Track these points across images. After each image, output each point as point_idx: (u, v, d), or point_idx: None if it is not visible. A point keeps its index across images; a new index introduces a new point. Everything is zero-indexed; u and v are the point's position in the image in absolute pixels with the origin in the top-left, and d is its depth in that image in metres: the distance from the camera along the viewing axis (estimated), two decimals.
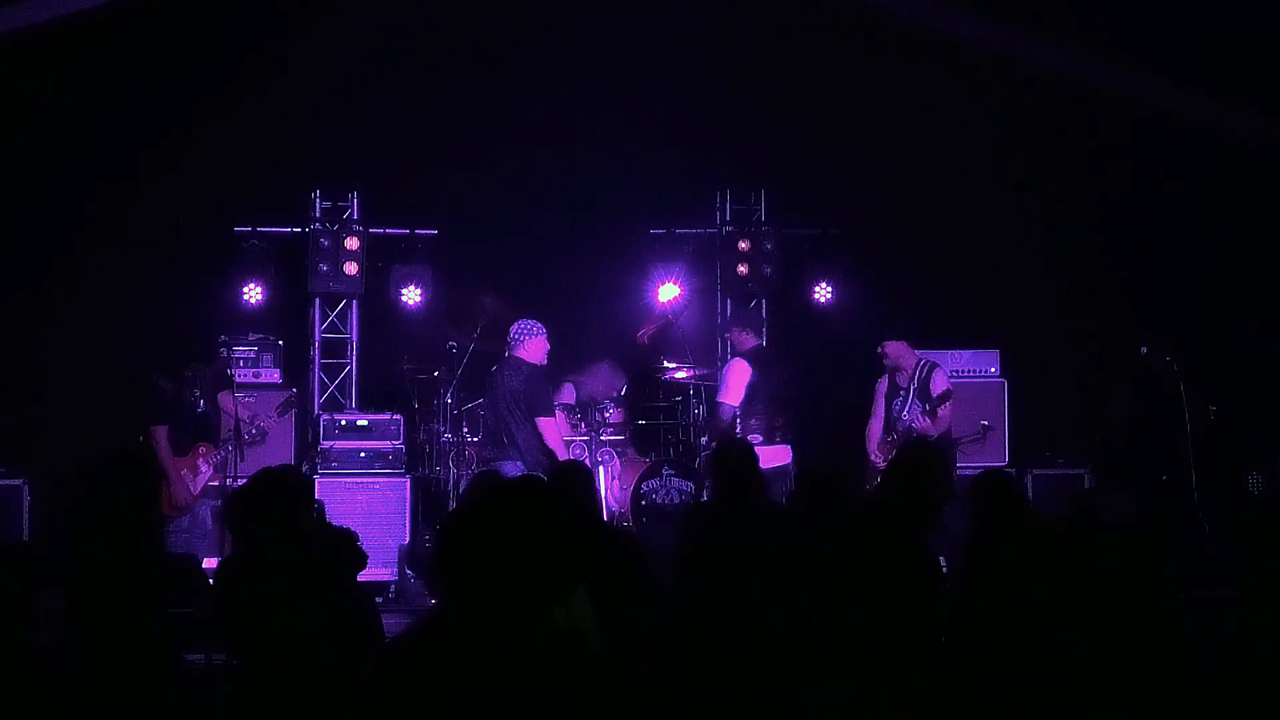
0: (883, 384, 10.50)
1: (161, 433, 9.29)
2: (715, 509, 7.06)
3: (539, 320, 9.81)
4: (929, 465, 6.17)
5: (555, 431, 9.56)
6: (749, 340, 10.57)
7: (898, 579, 5.55)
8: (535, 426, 9.47)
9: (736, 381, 10.26)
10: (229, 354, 11.00)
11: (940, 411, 10.08)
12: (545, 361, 9.78)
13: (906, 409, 10.27)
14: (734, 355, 10.71)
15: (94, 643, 5.70)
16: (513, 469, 9.46)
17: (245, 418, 9.55)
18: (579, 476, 6.86)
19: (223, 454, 9.38)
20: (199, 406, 9.44)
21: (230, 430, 9.42)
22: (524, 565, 3.12)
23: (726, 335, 10.76)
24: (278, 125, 10.80)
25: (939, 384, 10.32)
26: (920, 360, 10.41)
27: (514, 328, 9.76)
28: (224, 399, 9.61)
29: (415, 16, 10.46)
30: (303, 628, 5.35)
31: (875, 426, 10.45)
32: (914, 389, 10.31)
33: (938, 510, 6.05)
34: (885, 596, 5.45)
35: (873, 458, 10.31)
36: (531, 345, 9.67)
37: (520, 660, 3.06)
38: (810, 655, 5.29)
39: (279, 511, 5.82)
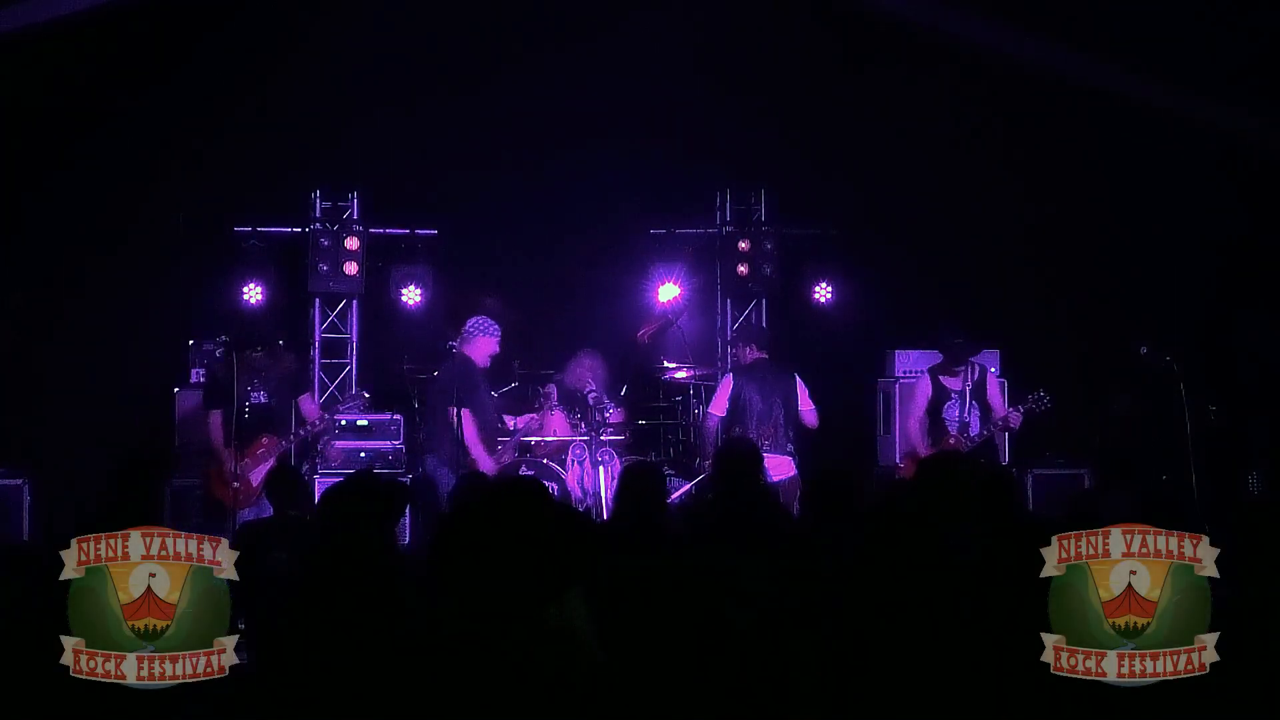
0: (924, 386, 10.31)
1: (216, 416, 9.46)
2: (715, 507, 7.06)
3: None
4: (973, 472, 6.23)
5: (472, 425, 9.90)
6: (750, 355, 10.55)
7: (913, 580, 5.56)
8: (458, 418, 9.91)
9: (720, 393, 10.39)
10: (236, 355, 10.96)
11: None
12: (487, 364, 10.10)
13: (967, 412, 10.16)
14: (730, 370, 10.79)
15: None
16: (433, 461, 9.88)
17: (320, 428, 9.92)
18: (651, 477, 6.86)
19: (285, 445, 9.50)
20: (257, 397, 9.54)
21: (302, 430, 9.71)
22: (515, 564, 3.12)
23: (733, 350, 10.79)
24: (278, 125, 10.80)
25: (995, 387, 10.33)
26: (969, 362, 10.36)
27: (468, 323, 10.12)
28: (305, 403, 9.87)
29: (415, 16, 10.47)
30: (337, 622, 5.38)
31: (914, 427, 10.28)
32: (969, 390, 10.19)
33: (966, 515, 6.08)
34: (900, 597, 5.47)
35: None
36: (479, 344, 10.05)
37: (513, 658, 3.06)
38: (811, 655, 5.29)
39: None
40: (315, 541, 6.36)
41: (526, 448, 10.76)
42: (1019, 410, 10.09)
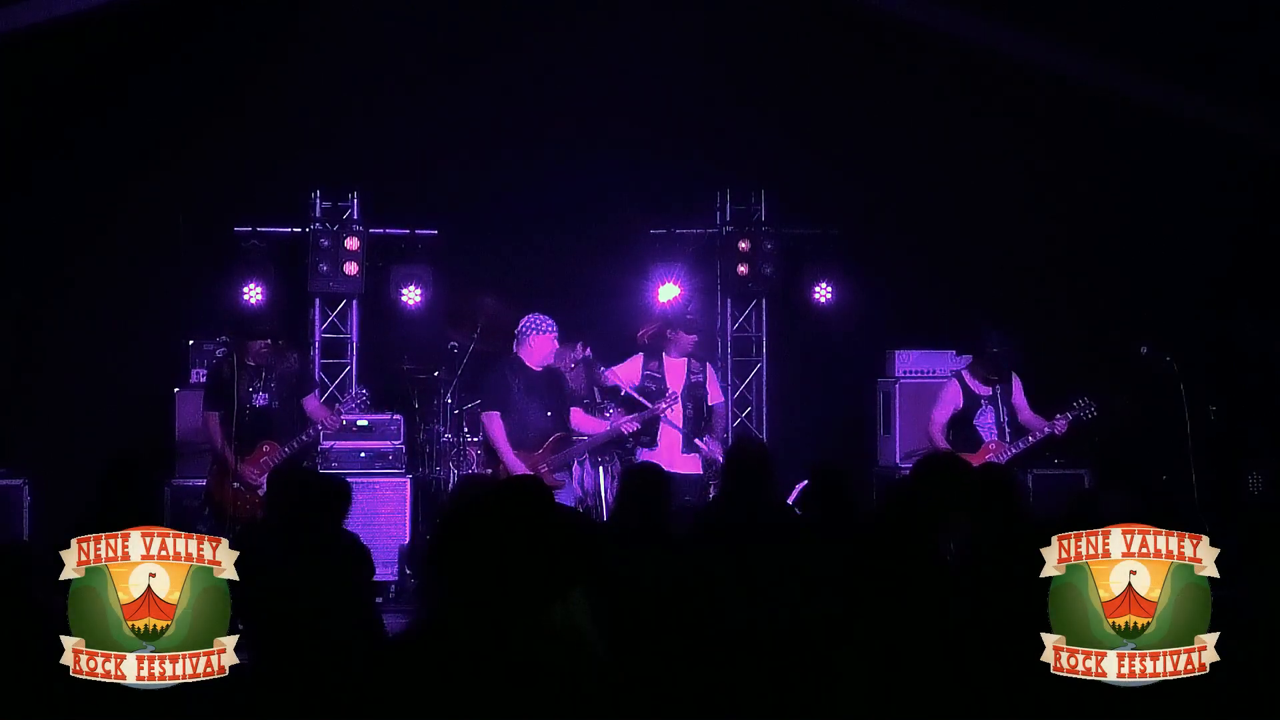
0: (952, 392, 9.91)
1: (214, 418, 9.42)
2: (725, 508, 7.06)
3: (526, 318, 9.84)
4: (965, 474, 6.22)
5: (497, 427, 9.62)
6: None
7: (915, 581, 5.57)
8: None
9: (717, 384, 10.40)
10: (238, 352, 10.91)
11: None
12: (550, 360, 9.74)
13: (1004, 417, 9.78)
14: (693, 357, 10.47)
15: None
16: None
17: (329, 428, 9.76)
18: (653, 477, 6.77)
19: (288, 451, 9.43)
20: (258, 400, 9.50)
21: (312, 431, 9.61)
22: (519, 563, 3.13)
23: (671, 335, 10.29)
24: (278, 125, 10.81)
25: (1020, 388, 9.93)
26: None
27: (519, 323, 9.80)
28: (311, 404, 9.74)
29: (415, 17, 10.47)
30: (314, 618, 5.40)
31: (938, 435, 9.81)
32: (999, 395, 9.83)
33: (959, 518, 6.08)
34: (898, 598, 5.47)
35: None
36: (530, 343, 9.71)
37: (517, 658, 3.06)
38: (815, 656, 5.29)
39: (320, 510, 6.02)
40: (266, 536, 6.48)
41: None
42: (1065, 418, 9.69)
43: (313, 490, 6.69)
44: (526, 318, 9.80)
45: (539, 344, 9.69)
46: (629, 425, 9.93)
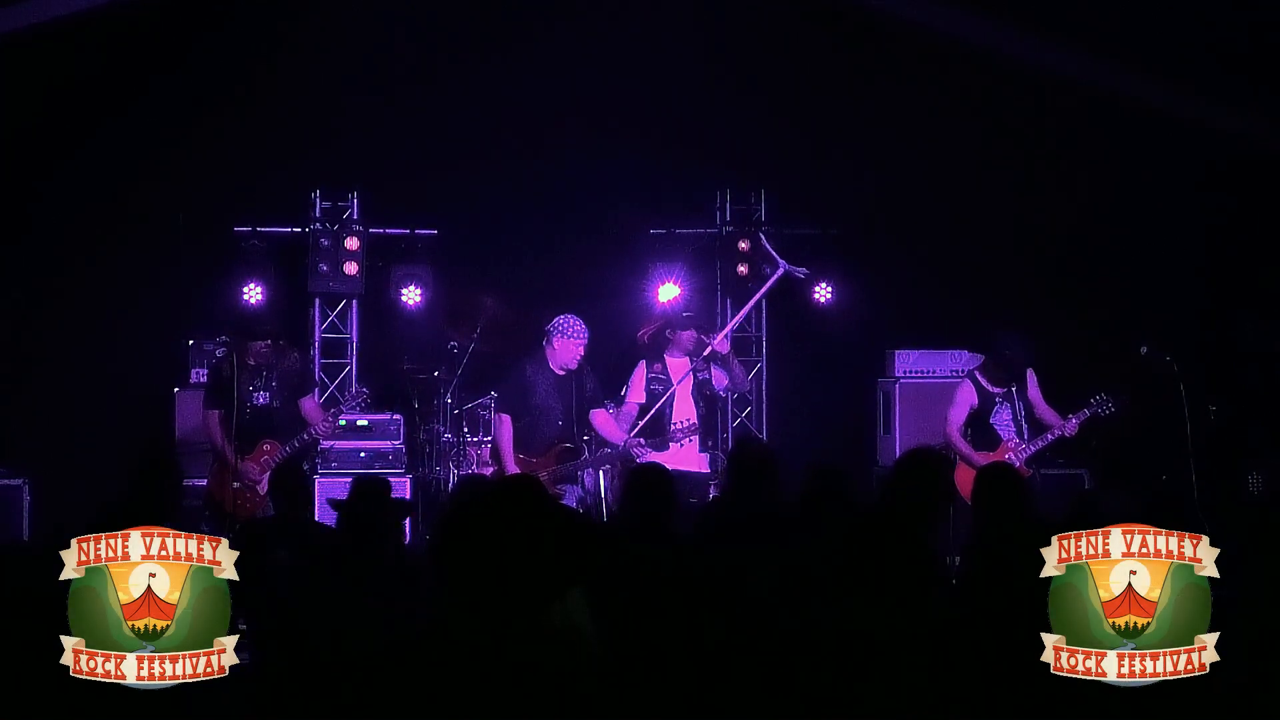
0: (966, 393, 9.82)
1: (214, 417, 9.40)
2: (727, 508, 7.06)
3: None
4: (940, 470, 6.23)
5: (505, 431, 9.69)
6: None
7: (900, 577, 5.57)
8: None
9: None
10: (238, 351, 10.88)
11: None
12: (573, 366, 9.71)
13: (1021, 414, 9.70)
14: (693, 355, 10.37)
15: None
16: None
17: (322, 431, 9.68)
18: (657, 477, 6.73)
19: (288, 451, 9.41)
20: (259, 398, 9.49)
21: (306, 435, 9.55)
22: (519, 563, 3.13)
23: (670, 334, 10.25)
24: (278, 125, 10.81)
25: (1035, 382, 9.82)
26: None
27: (550, 324, 9.80)
28: (308, 405, 9.70)
29: (415, 17, 10.48)
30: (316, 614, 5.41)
31: (956, 436, 9.71)
32: (1014, 392, 9.75)
33: (940, 513, 6.09)
34: (888, 594, 5.48)
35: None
36: (554, 345, 9.71)
37: (518, 658, 3.07)
38: (816, 653, 5.30)
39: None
40: (329, 543, 6.45)
41: None
42: (1081, 415, 9.65)
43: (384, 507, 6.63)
44: (557, 318, 9.81)
45: (562, 348, 9.71)
46: (640, 451, 9.64)
